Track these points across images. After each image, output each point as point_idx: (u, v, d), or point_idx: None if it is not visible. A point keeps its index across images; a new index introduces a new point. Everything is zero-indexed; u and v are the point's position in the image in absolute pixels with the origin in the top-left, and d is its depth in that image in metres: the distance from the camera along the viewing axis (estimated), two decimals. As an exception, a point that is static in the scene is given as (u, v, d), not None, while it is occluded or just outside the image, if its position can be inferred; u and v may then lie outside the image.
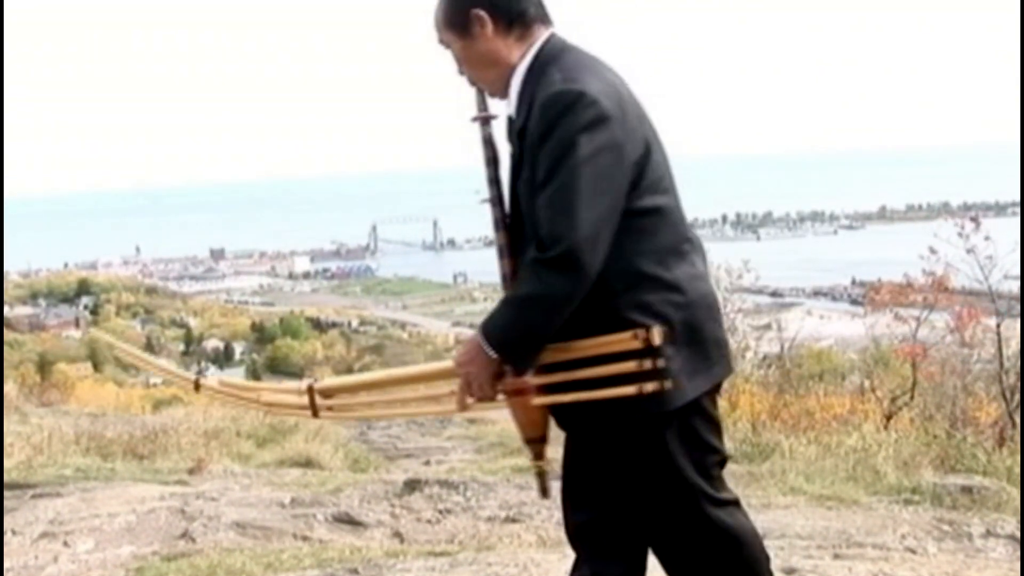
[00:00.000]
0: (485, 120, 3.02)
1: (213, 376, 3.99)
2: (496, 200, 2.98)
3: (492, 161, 2.99)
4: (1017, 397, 9.92)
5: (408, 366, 3.35)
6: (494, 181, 2.98)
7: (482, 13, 2.88)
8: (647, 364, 2.71)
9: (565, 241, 2.66)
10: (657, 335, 2.70)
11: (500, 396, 2.89)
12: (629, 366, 2.73)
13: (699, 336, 2.84)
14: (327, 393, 3.36)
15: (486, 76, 2.95)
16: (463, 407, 2.95)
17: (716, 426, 2.98)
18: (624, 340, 2.73)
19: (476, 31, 2.89)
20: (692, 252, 2.90)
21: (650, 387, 2.71)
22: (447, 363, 2.98)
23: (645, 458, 2.86)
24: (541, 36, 2.90)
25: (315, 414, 3.38)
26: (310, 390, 3.34)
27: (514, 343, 2.77)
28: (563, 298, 2.71)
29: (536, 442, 3.06)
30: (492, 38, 2.89)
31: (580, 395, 2.80)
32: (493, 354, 2.77)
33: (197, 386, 3.72)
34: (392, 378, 3.32)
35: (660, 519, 2.94)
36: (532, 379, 2.84)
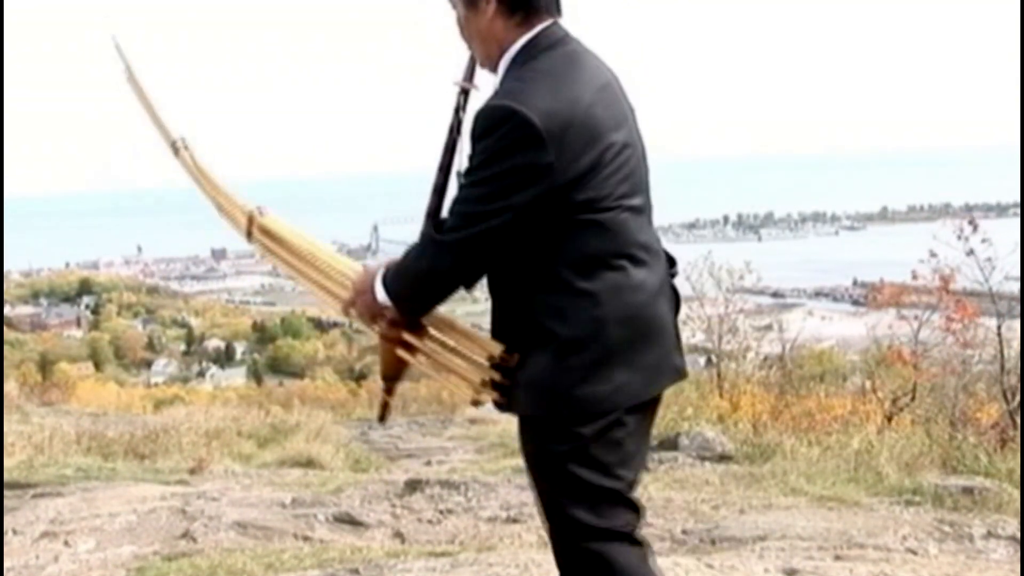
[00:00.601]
0: (465, 90, 3.08)
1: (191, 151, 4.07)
2: (444, 168, 3.07)
3: (454, 129, 3.05)
4: (1019, 398, 9.91)
5: (328, 254, 3.42)
6: (449, 149, 3.05)
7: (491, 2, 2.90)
8: (492, 376, 2.86)
9: (450, 236, 2.81)
10: (513, 360, 2.82)
11: (374, 329, 3.09)
12: (478, 371, 2.90)
13: (611, 351, 2.80)
14: (263, 229, 3.69)
15: (480, 49, 2.99)
16: (344, 315, 3.22)
17: (621, 452, 2.88)
18: (489, 346, 2.87)
19: (482, 6, 2.91)
20: (635, 265, 2.85)
21: (485, 397, 2.91)
22: (352, 273, 3.22)
23: (532, 457, 2.97)
24: (540, 25, 2.89)
25: (248, 237, 3.82)
26: (251, 219, 3.74)
27: (398, 297, 2.95)
28: (439, 280, 2.89)
29: (389, 379, 3.29)
30: (494, 17, 2.90)
31: (428, 369, 3.08)
32: (381, 295, 2.97)
33: (176, 149, 3.97)
34: (311, 257, 3.46)
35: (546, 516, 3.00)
36: (405, 332, 3.04)
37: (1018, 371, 10.26)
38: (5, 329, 49.57)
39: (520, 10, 2.89)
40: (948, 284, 12.61)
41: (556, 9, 2.93)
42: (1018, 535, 5.70)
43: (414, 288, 2.93)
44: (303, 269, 3.46)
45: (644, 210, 2.92)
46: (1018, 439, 8.73)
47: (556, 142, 2.73)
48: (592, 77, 2.87)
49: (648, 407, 2.94)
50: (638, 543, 2.90)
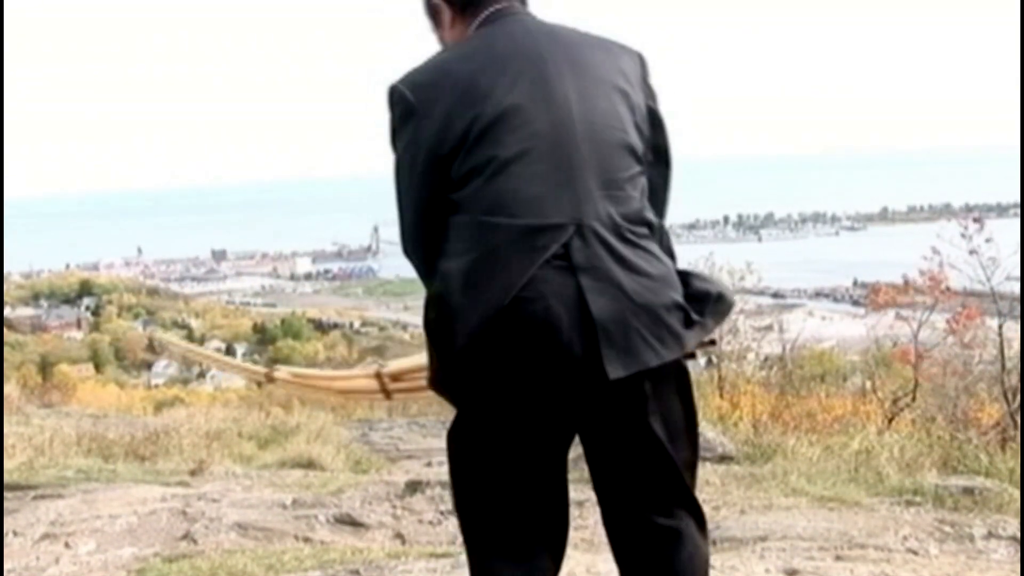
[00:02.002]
0: None
1: (284, 368, 4.09)
2: None
3: None
4: (1019, 398, 9.92)
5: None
6: None
7: (438, 2, 2.93)
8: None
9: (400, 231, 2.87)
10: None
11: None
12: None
13: (460, 341, 2.67)
14: (395, 376, 3.58)
15: None
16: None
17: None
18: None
19: (442, 18, 2.94)
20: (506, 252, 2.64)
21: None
22: None
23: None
24: (484, 13, 2.86)
25: (388, 396, 3.67)
26: (378, 375, 3.58)
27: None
28: (418, 275, 2.89)
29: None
30: (452, 23, 2.92)
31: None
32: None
33: (270, 378, 3.87)
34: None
35: None
36: None
37: (1019, 371, 10.26)
38: (5, 331, 49.56)
39: (468, 7, 2.88)
40: (940, 284, 12.63)
41: None
42: (1019, 535, 5.70)
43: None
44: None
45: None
46: (1019, 439, 8.74)
47: (424, 112, 2.72)
48: (492, 44, 2.80)
49: None
50: None
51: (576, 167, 2.68)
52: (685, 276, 2.79)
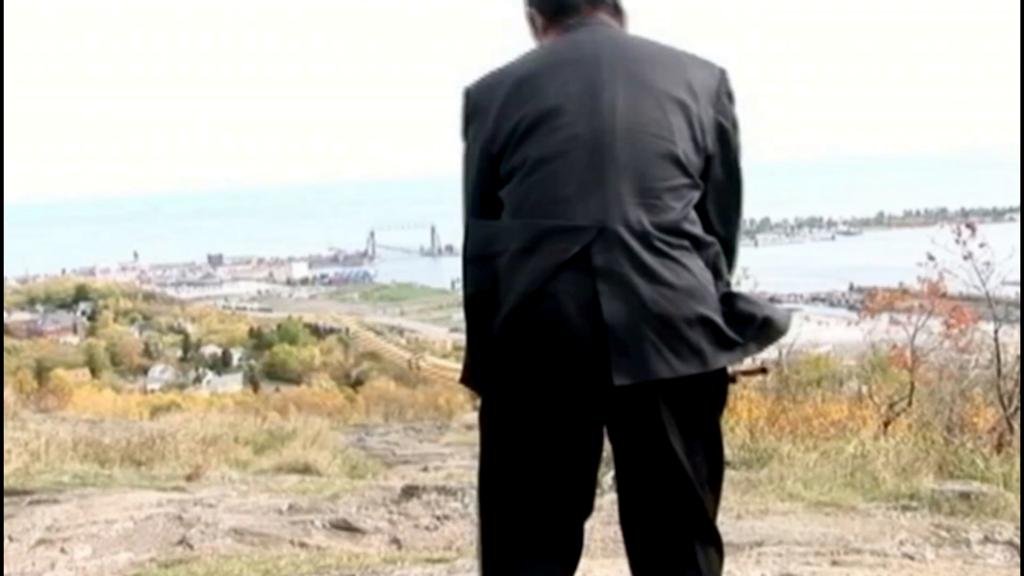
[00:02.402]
0: None
1: (430, 359, 4.08)
2: None
3: None
4: (1016, 403, 9.91)
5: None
6: None
7: (533, 11, 3.04)
8: None
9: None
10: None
11: None
12: None
13: (483, 336, 2.75)
14: None
15: None
16: None
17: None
18: None
19: (536, 23, 3.04)
20: (520, 254, 2.68)
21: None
22: None
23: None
24: (568, 21, 2.94)
25: None
26: None
27: None
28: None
29: None
30: (544, 29, 3.02)
31: None
32: None
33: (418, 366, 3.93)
34: None
35: None
36: None
37: (1015, 376, 10.26)
38: (2, 335, 49.65)
39: (556, 16, 2.97)
40: (937, 290, 12.64)
41: (593, 4, 2.95)
42: (1015, 539, 5.70)
43: None
44: None
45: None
46: (1016, 443, 8.74)
47: (482, 113, 2.84)
48: (557, 51, 2.89)
49: None
50: None
51: (609, 171, 2.68)
52: (730, 297, 2.77)
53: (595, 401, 2.70)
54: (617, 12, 2.99)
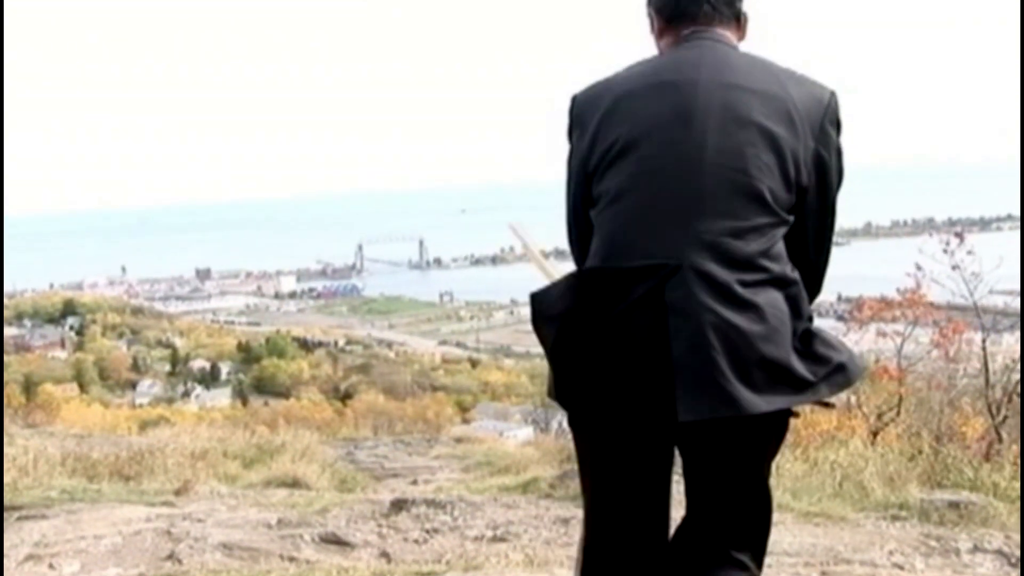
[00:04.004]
0: None
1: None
2: None
3: None
4: (1004, 412, 9.94)
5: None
6: None
7: (652, 12, 3.07)
8: None
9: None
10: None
11: None
12: None
13: (564, 356, 2.80)
14: None
15: None
16: None
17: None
18: None
19: (653, 24, 3.07)
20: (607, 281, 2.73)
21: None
22: None
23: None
24: (686, 31, 2.97)
25: None
26: None
27: None
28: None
29: None
30: (661, 31, 3.04)
31: None
32: None
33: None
34: None
35: None
36: None
37: (1003, 384, 10.29)
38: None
39: (672, 20, 2.99)
40: (921, 300, 12.66)
41: (712, 13, 2.96)
42: (1004, 549, 5.71)
43: None
44: None
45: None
46: (1004, 453, 8.75)
47: (584, 124, 2.90)
48: (660, 69, 2.91)
49: None
50: None
51: (690, 207, 2.69)
52: (810, 336, 2.77)
53: (664, 430, 2.76)
54: (737, 21, 3.00)
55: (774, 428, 2.85)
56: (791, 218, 2.80)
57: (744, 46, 2.99)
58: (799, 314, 2.77)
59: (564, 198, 3.00)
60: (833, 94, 2.88)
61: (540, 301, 2.82)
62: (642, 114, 2.77)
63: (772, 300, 2.70)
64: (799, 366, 2.69)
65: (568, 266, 2.98)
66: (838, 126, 2.88)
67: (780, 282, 2.73)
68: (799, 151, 2.77)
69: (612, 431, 2.80)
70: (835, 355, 2.77)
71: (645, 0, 3.09)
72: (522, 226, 3.64)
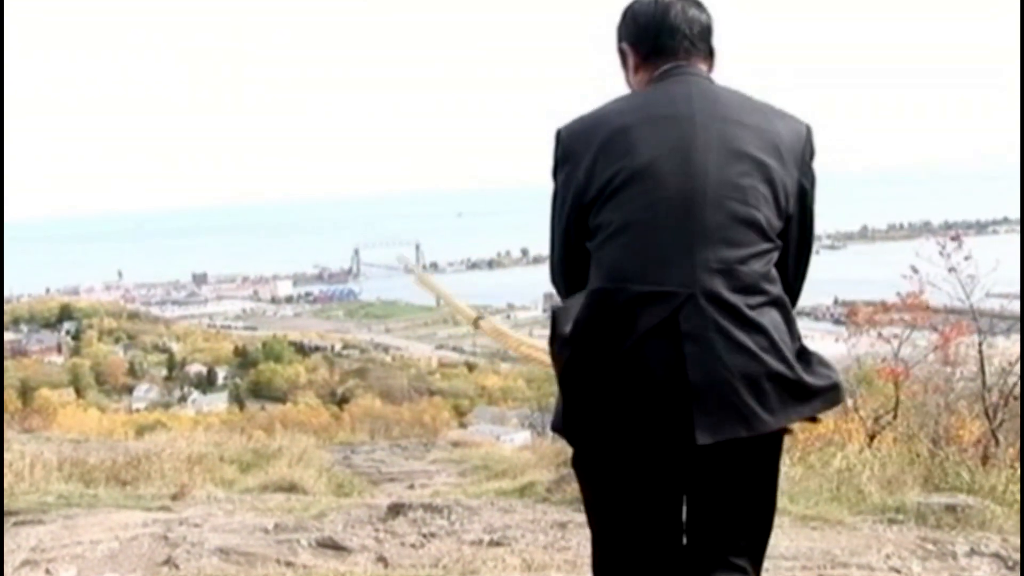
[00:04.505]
0: None
1: (491, 318, 4.36)
2: None
3: None
4: (1000, 415, 9.94)
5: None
6: None
7: (626, 47, 3.12)
8: None
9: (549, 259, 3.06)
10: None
11: None
12: None
13: (575, 386, 2.85)
14: None
15: None
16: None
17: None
18: None
19: (628, 61, 3.13)
20: (617, 307, 2.79)
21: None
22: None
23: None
24: (665, 66, 3.03)
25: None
26: None
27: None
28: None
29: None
30: (636, 67, 3.11)
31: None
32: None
33: (477, 324, 4.18)
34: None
35: None
36: None
37: (1000, 387, 10.29)
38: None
39: (650, 56, 3.05)
40: (920, 303, 12.66)
41: (689, 49, 3.04)
42: (1001, 552, 5.71)
43: None
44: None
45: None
46: (1000, 456, 8.75)
47: (576, 160, 2.92)
48: (652, 103, 2.96)
49: None
50: None
51: (697, 237, 2.78)
52: (808, 356, 2.88)
53: (679, 454, 2.82)
54: (710, 56, 3.09)
55: (780, 441, 2.96)
56: (781, 245, 2.92)
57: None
58: (794, 334, 2.88)
59: (550, 231, 3.04)
60: (809, 128, 3.02)
61: (558, 317, 2.87)
62: (642, 147, 2.84)
63: (774, 321, 2.82)
64: (807, 379, 2.82)
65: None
66: (813, 156, 3.03)
67: (778, 303, 2.85)
68: (787, 182, 2.90)
69: (625, 461, 2.86)
70: (831, 373, 2.90)
71: (617, 36, 3.15)
72: (425, 275, 3.82)
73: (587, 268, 2.89)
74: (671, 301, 2.73)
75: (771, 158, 2.87)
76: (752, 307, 2.77)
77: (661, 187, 2.80)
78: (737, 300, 2.75)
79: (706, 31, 3.07)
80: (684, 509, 2.99)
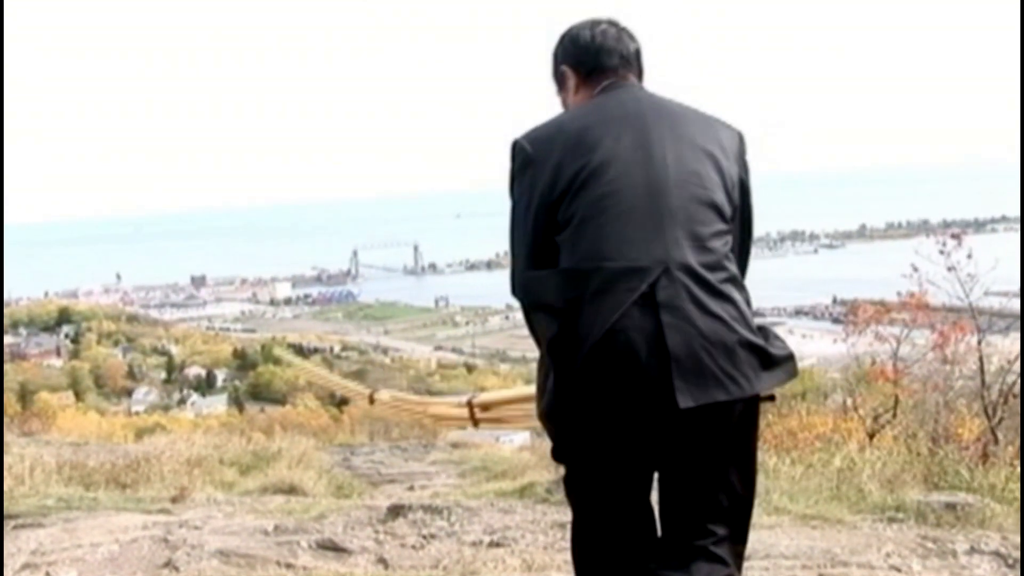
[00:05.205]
0: None
1: (385, 392, 4.54)
2: None
3: None
4: (1000, 414, 9.95)
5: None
6: None
7: (566, 69, 3.32)
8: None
9: (511, 268, 3.13)
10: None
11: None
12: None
13: (567, 372, 2.93)
14: (484, 406, 4.11)
15: None
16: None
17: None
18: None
19: (567, 83, 3.33)
20: (599, 292, 2.90)
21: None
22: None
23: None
24: (605, 82, 3.23)
25: (475, 424, 4.24)
26: (469, 405, 4.12)
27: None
28: (524, 313, 3.13)
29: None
30: (576, 87, 3.31)
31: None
32: None
33: (371, 400, 4.34)
34: (529, 394, 3.80)
35: None
36: None
37: (999, 386, 10.30)
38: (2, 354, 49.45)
39: (591, 75, 3.25)
40: (921, 302, 12.67)
41: (625, 66, 3.27)
42: (1001, 550, 5.71)
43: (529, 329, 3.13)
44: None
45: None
46: (1000, 454, 8.76)
47: (539, 163, 3.03)
48: (604, 108, 3.13)
49: None
50: None
51: (665, 217, 2.95)
52: (765, 330, 3.06)
53: (660, 423, 2.92)
54: (640, 73, 3.32)
55: (757, 408, 3.10)
56: (732, 229, 3.12)
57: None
58: (751, 311, 3.06)
59: (511, 240, 3.14)
60: (741, 133, 3.25)
61: (530, 286, 3.05)
62: (605, 142, 3.01)
63: (738, 295, 3.00)
64: (770, 349, 3.00)
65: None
66: (746, 157, 3.25)
67: (736, 281, 3.03)
68: (732, 173, 3.12)
69: (609, 433, 2.95)
70: (786, 345, 3.08)
71: (554, 60, 3.37)
72: (303, 363, 3.97)
73: (554, 265, 3.00)
74: (647, 275, 2.87)
75: (717, 150, 3.09)
76: (720, 281, 2.95)
77: (627, 175, 2.97)
78: (706, 274, 2.92)
79: (638, 53, 3.31)
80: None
